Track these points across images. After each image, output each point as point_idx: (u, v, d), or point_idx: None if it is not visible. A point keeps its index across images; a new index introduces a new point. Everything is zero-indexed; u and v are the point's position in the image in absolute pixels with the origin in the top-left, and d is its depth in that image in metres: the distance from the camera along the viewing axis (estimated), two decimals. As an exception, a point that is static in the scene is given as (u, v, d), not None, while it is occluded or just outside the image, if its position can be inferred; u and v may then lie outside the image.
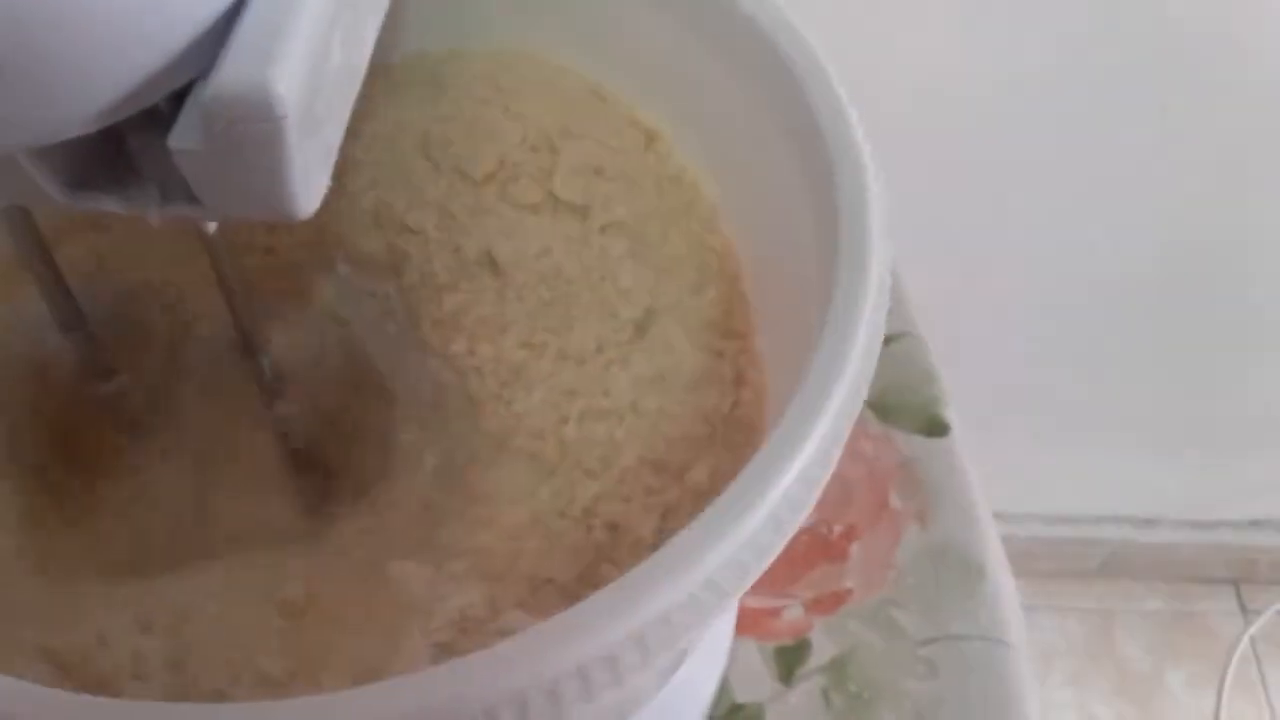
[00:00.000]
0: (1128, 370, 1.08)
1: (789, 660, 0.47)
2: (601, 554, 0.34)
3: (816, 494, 0.27)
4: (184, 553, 0.36)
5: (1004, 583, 0.50)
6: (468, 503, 0.35)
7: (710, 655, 0.45)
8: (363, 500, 0.35)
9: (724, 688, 0.46)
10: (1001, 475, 0.70)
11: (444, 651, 0.31)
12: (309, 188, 0.26)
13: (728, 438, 0.36)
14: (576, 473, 0.35)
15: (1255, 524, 1.27)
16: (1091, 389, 1.10)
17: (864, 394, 0.29)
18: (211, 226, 0.30)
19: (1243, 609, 1.34)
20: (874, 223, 0.30)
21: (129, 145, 0.27)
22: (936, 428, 0.53)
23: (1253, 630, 1.29)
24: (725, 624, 0.45)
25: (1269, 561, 1.30)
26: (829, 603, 0.48)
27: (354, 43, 0.28)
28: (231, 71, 0.23)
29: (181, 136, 0.24)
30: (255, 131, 0.24)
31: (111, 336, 0.36)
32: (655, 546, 0.26)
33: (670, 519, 0.34)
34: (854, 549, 0.49)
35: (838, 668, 0.47)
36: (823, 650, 0.47)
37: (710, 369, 0.37)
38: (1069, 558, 1.30)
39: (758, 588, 0.26)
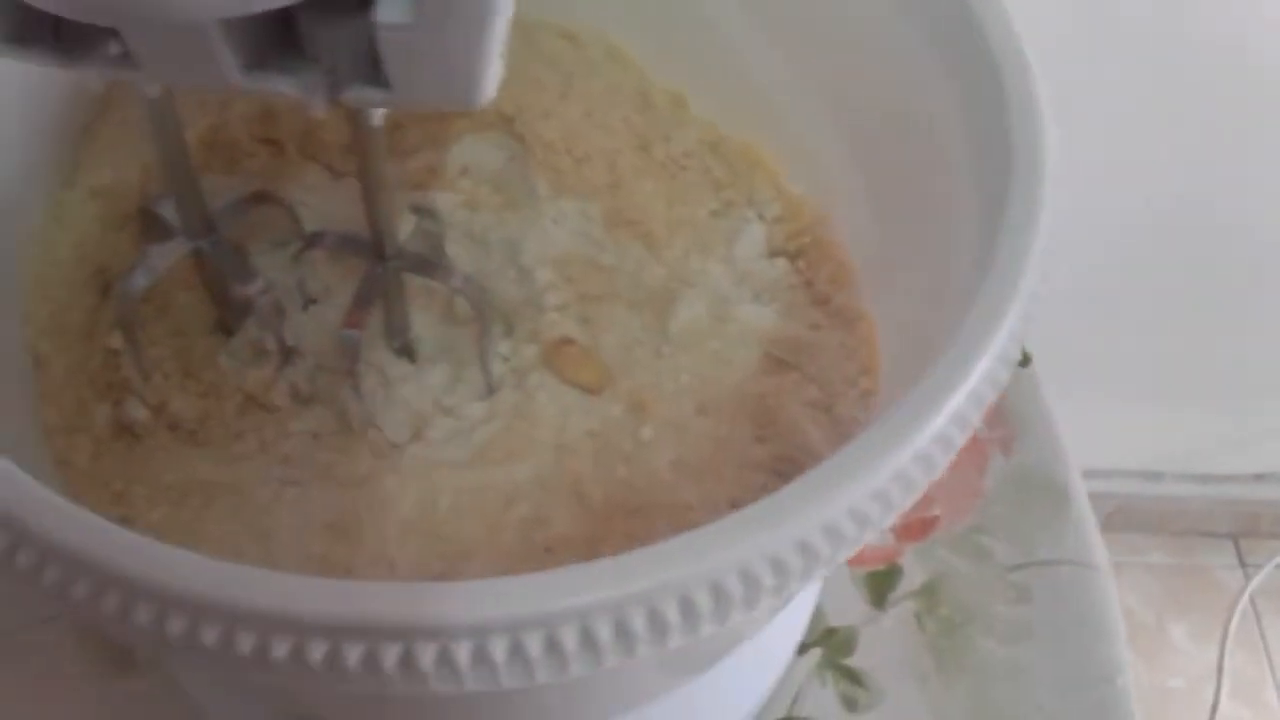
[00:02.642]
0: (1131, 324, 1.08)
1: (880, 585, 0.47)
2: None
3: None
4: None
5: (1086, 507, 0.50)
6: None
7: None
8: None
9: (817, 612, 0.46)
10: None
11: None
12: (495, 71, 0.26)
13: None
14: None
15: (1259, 478, 1.29)
16: (1094, 343, 1.10)
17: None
18: (378, 118, 0.29)
19: (1242, 564, 1.35)
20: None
21: (300, 29, 0.27)
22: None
23: (1253, 585, 1.30)
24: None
25: (1272, 516, 1.31)
26: (918, 529, 0.48)
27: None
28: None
29: (390, 9, 0.24)
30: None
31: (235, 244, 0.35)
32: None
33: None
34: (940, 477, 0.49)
35: (929, 593, 0.47)
36: (913, 576, 0.47)
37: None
38: (1075, 511, 1.31)
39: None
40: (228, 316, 0.37)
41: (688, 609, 0.23)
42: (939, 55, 0.36)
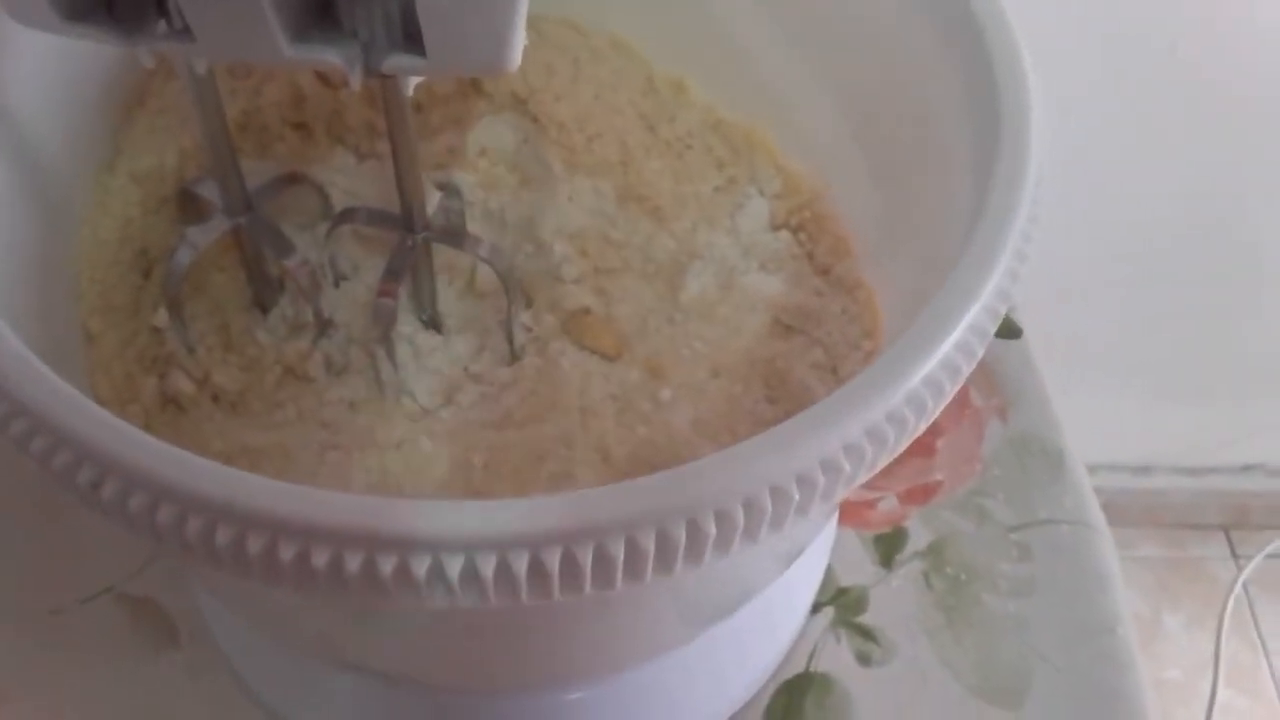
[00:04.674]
0: (1119, 320, 1.10)
1: (888, 547, 0.49)
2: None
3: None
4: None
5: (1080, 470, 0.52)
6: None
7: (817, 542, 0.46)
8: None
9: (829, 573, 0.48)
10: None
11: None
12: (521, 38, 0.28)
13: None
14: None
15: (1246, 469, 1.30)
16: (1085, 337, 1.12)
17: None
18: (411, 88, 0.31)
19: (1234, 554, 1.37)
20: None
21: (338, 3, 0.29)
22: (1010, 330, 0.55)
23: (1244, 575, 1.32)
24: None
25: (1261, 506, 1.33)
26: (921, 494, 0.50)
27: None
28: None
29: (431, -27, 0.26)
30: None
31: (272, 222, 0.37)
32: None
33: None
34: (940, 444, 0.51)
35: (935, 553, 0.48)
36: (919, 537, 0.49)
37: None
38: (1067, 506, 1.32)
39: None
40: (263, 293, 0.39)
41: (694, 531, 0.25)
42: (935, 40, 0.37)
